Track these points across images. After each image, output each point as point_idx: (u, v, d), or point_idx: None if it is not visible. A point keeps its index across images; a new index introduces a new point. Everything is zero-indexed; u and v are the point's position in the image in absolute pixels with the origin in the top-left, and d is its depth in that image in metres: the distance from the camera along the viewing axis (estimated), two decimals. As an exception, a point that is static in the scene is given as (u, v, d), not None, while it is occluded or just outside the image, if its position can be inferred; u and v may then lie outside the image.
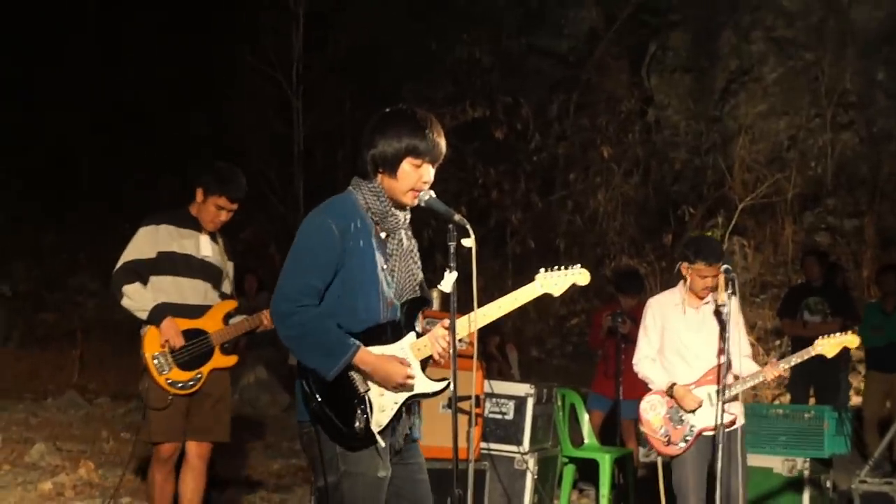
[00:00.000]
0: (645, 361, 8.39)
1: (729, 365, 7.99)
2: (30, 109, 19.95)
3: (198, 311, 8.42)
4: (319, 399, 5.41)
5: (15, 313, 17.01)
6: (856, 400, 13.49)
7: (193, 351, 8.34)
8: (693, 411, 8.06)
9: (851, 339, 8.10)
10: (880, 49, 17.07)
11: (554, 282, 5.65)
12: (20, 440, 12.59)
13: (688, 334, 8.20)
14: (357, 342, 5.33)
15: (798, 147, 16.78)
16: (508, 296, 5.57)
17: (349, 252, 5.43)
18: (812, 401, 12.09)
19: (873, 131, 16.93)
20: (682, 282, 8.26)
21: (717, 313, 8.04)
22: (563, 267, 5.68)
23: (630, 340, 12.33)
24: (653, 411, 8.28)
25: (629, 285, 13.10)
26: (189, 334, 8.29)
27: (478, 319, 5.54)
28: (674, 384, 8.13)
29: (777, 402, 9.81)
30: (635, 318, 12.45)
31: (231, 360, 8.58)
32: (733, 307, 8.02)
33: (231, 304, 8.56)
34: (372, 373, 5.39)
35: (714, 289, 8.05)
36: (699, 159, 17.42)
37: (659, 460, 8.48)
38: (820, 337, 8.08)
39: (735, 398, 8.10)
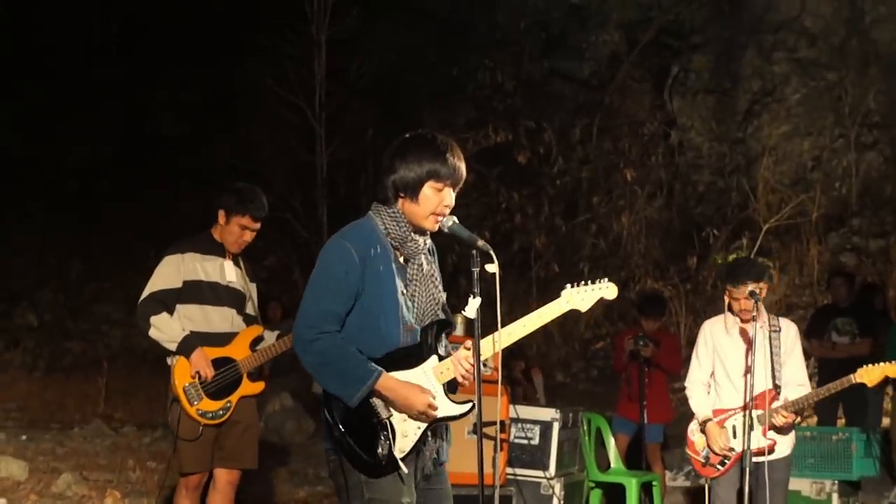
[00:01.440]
0: (695, 385, 8.36)
1: (777, 389, 7.95)
2: (54, 138, 19.98)
3: (225, 338, 8.40)
4: (342, 427, 5.35)
5: (41, 343, 17.05)
6: (885, 422, 13.41)
7: (222, 380, 8.31)
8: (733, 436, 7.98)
9: (892, 369, 7.96)
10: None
11: (581, 297, 5.61)
12: (47, 470, 12.60)
13: (737, 359, 8.12)
14: (379, 368, 5.29)
15: (822, 168, 16.73)
16: (534, 313, 5.53)
17: (369, 277, 5.39)
18: (841, 422, 11.99)
19: (898, 147, 16.84)
20: (729, 306, 8.17)
21: (764, 337, 7.95)
22: (589, 282, 5.65)
23: (652, 364, 12.35)
24: (698, 434, 8.24)
25: (651, 308, 12.99)
26: (217, 363, 8.28)
27: (502, 338, 5.48)
28: (708, 419, 8.08)
29: (805, 423, 9.72)
30: (658, 340, 12.47)
31: (259, 386, 8.55)
32: (787, 332, 8.04)
33: (257, 331, 8.52)
34: (394, 399, 5.35)
35: (754, 314, 7.94)
36: (723, 181, 17.38)
37: (707, 483, 8.46)
38: (862, 368, 7.96)
39: (789, 424, 8.04)
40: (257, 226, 8.42)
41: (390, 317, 5.44)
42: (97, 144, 20.27)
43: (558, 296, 5.59)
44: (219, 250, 8.46)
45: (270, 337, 8.46)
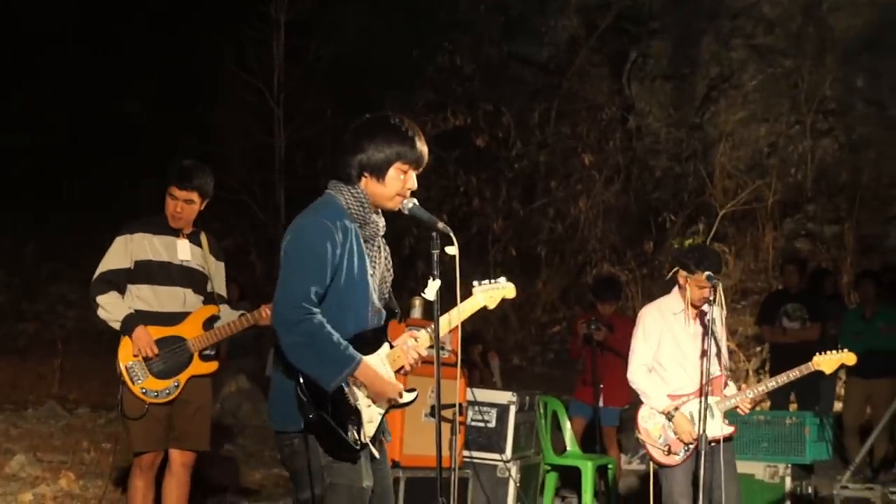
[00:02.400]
0: (640, 370, 8.29)
1: (723, 374, 8.09)
2: (9, 118, 19.81)
3: (176, 318, 8.35)
4: (318, 409, 5.34)
5: (-5, 321, 16.99)
6: (837, 406, 13.49)
7: (169, 359, 8.27)
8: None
9: (849, 357, 8.12)
10: (859, 56, 17.15)
11: (489, 294, 5.69)
12: (0, 451, 12.56)
13: (687, 344, 8.13)
14: (359, 355, 5.32)
15: (778, 154, 16.85)
16: (454, 309, 5.59)
17: (346, 255, 5.42)
18: (793, 406, 12.07)
19: (852, 138, 17.02)
20: (678, 290, 8.18)
21: (703, 322, 7.96)
22: (493, 280, 5.75)
23: (606, 348, 12.41)
24: (651, 420, 8.25)
25: (606, 292, 13.10)
26: (165, 342, 8.22)
27: (432, 333, 5.52)
28: (676, 409, 8.09)
29: (758, 408, 9.78)
30: (612, 325, 12.54)
31: (211, 366, 8.46)
32: (718, 317, 8.02)
33: (212, 310, 8.42)
34: (369, 386, 5.39)
35: (710, 300, 7.99)
36: (680, 166, 17.48)
37: (651, 468, 8.44)
38: (818, 354, 8.11)
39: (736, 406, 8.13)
40: (188, 196, 8.29)
41: (362, 297, 5.50)
42: (54, 123, 20.03)
43: (471, 293, 5.65)
44: (172, 230, 8.41)
45: (230, 316, 8.38)
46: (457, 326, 5.64)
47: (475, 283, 5.65)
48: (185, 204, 8.32)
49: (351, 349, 5.28)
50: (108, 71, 20.57)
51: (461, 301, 5.57)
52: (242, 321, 8.22)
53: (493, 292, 5.68)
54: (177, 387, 8.33)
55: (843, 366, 8.44)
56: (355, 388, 5.39)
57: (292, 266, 5.34)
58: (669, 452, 8.18)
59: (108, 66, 20.62)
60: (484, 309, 5.71)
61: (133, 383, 8.22)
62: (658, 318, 8.34)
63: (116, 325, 8.25)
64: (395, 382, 5.46)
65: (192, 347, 8.30)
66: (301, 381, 5.32)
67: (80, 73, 20.55)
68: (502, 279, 5.70)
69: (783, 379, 8.24)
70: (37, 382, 15.03)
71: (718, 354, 8.04)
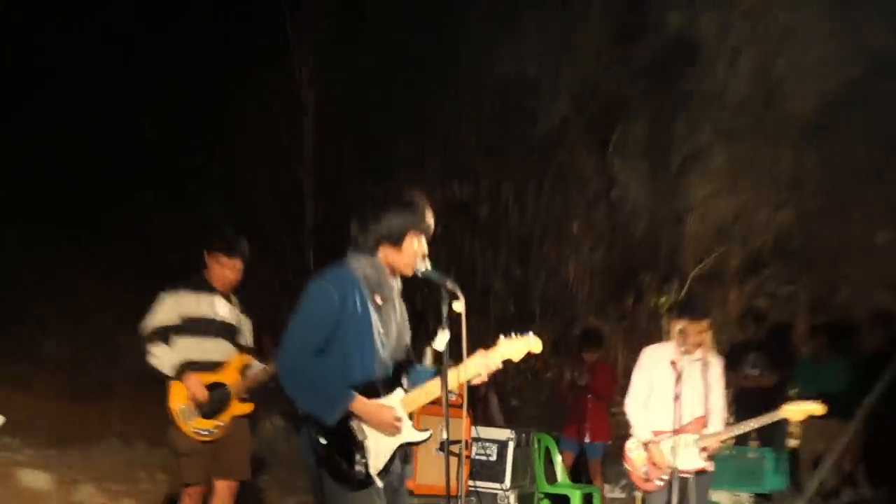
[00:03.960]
0: (634, 404, 8.42)
1: (706, 416, 8.18)
2: (55, 161, 19.44)
3: (218, 366, 8.57)
4: (325, 444, 5.51)
5: (63, 369, 17.00)
6: (792, 443, 13.51)
7: (214, 402, 8.45)
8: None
9: (817, 409, 8.10)
10: (812, 136, 17.15)
11: (511, 348, 5.73)
12: (69, 481, 12.62)
13: (672, 386, 8.08)
14: (353, 392, 5.45)
15: (741, 223, 16.87)
16: (476, 356, 5.68)
17: (348, 316, 5.52)
18: (755, 444, 12.12)
19: (806, 209, 17.00)
20: (677, 339, 8.14)
21: (699, 368, 8.06)
22: (520, 335, 5.78)
23: (590, 392, 12.50)
24: (637, 451, 8.34)
25: (589, 343, 13.32)
26: (210, 387, 8.45)
27: (460, 376, 5.64)
28: (651, 441, 8.14)
29: (727, 446, 9.87)
30: (595, 369, 12.67)
31: (248, 407, 8.73)
32: (714, 366, 8.27)
33: (247, 359, 8.73)
34: (367, 418, 5.50)
35: (700, 344, 8.08)
36: (656, 233, 17.47)
37: (638, 496, 8.51)
38: (787, 403, 8.12)
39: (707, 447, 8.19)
40: (234, 262, 8.64)
41: (367, 352, 5.59)
42: (95, 180, 19.38)
43: (496, 343, 5.73)
44: (210, 288, 8.66)
45: (258, 365, 8.63)
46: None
47: (503, 336, 5.77)
48: (232, 270, 8.52)
49: (345, 388, 5.45)
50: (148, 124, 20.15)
51: (482, 353, 5.69)
52: (265, 373, 8.52)
53: (516, 346, 5.74)
54: (220, 426, 8.45)
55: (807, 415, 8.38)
56: (363, 425, 5.52)
57: (295, 324, 5.54)
58: (647, 480, 8.21)
59: (148, 120, 20.16)
60: (506, 364, 5.80)
61: (185, 423, 8.37)
62: (653, 359, 8.45)
63: (168, 372, 8.43)
64: (394, 413, 5.55)
65: (233, 392, 8.44)
66: (309, 420, 5.53)
67: (119, 130, 20.06)
68: (530, 333, 5.80)
69: (754, 423, 8.29)
70: (101, 420, 15.06)
71: (706, 397, 8.09)
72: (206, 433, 8.46)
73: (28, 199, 18.60)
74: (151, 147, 19.37)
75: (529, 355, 5.82)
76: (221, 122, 18.87)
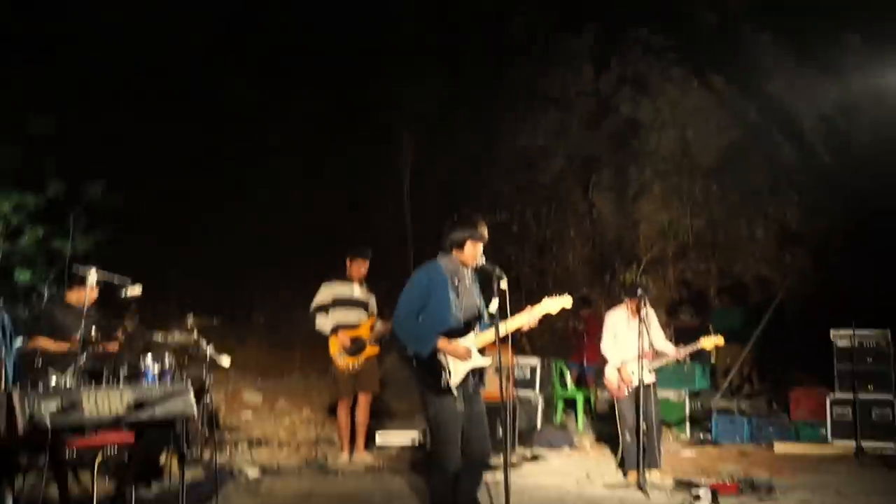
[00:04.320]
0: (605, 346, 8.42)
1: (653, 350, 8.16)
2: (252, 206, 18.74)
3: (356, 326, 8.81)
4: (422, 370, 5.61)
5: (266, 330, 17.03)
6: (712, 359, 13.34)
7: (356, 348, 8.54)
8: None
9: (717, 340, 8.28)
10: (714, 173, 17.06)
11: (553, 304, 5.84)
12: (272, 398, 12.55)
13: (628, 333, 8.13)
14: (438, 335, 5.57)
15: (673, 227, 16.69)
16: (526, 311, 5.81)
17: (435, 291, 5.63)
18: (688, 360, 11.92)
19: (712, 217, 16.89)
20: (625, 303, 8.33)
21: (648, 321, 8.07)
22: (557, 295, 5.91)
23: (586, 333, 12.43)
24: (612, 375, 8.33)
25: (583, 304, 13.58)
26: (352, 339, 8.77)
27: (509, 325, 5.70)
28: (622, 365, 8.11)
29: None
30: (588, 320, 12.66)
31: (375, 350, 8.90)
32: (651, 314, 8.23)
33: (373, 320, 8.92)
34: (448, 351, 5.55)
35: (638, 309, 8.10)
36: (622, 234, 17.40)
37: (615, 401, 8.44)
38: (703, 337, 8.29)
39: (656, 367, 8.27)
40: (365, 263, 8.89)
41: (445, 313, 5.65)
42: (283, 224, 18.80)
43: (539, 302, 5.83)
44: (349, 279, 8.94)
45: (380, 324, 8.84)
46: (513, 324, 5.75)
47: (546, 297, 5.86)
48: (362, 267, 8.70)
49: (432, 334, 5.50)
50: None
51: (530, 308, 5.78)
52: (385, 327, 8.77)
53: (555, 303, 5.81)
54: (359, 362, 8.63)
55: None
56: (447, 356, 5.55)
57: (403, 297, 5.64)
58: (619, 390, 8.26)
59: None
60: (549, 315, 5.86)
61: (340, 362, 8.50)
62: (614, 318, 8.49)
63: (326, 332, 8.59)
64: (465, 347, 5.58)
65: (366, 341, 8.59)
66: (412, 354, 5.58)
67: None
68: (566, 295, 5.88)
69: (684, 351, 8.59)
70: (290, 361, 15.04)
71: (649, 338, 8.07)
72: (352, 366, 8.67)
73: (247, 243, 18.42)
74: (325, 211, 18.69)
75: (563, 310, 5.94)
76: (363, 193, 18.62)
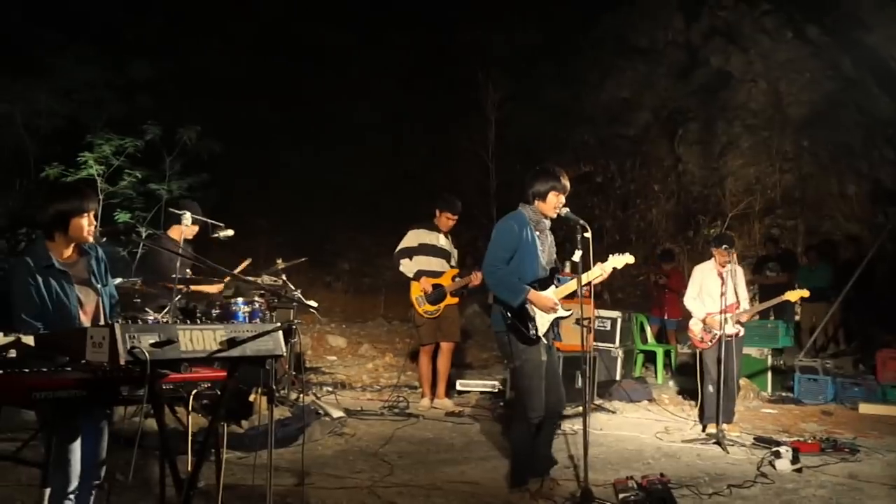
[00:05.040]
0: (689, 299, 8.38)
1: (738, 303, 8.08)
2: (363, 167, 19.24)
3: (439, 275, 8.78)
4: (511, 318, 5.54)
5: (352, 278, 17.27)
6: (796, 318, 13.08)
7: (436, 296, 8.72)
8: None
9: (804, 292, 8.19)
10: (805, 128, 16.51)
11: (617, 261, 5.77)
12: (356, 342, 12.74)
13: (715, 286, 8.03)
14: (529, 287, 5.50)
15: (761, 182, 16.27)
16: (596, 266, 5.75)
17: (522, 241, 5.54)
18: (771, 317, 11.63)
19: (801, 173, 16.37)
20: (714, 257, 8.18)
21: (730, 274, 7.95)
22: (619, 253, 5.82)
23: (667, 288, 12.30)
24: (696, 326, 8.31)
25: (666, 258, 13.28)
26: (433, 287, 8.72)
27: (587, 278, 5.70)
28: (708, 315, 8.08)
29: (754, 319, 9.50)
30: (669, 275, 12.52)
31: (456, 300, 8.85)
32: (739, 272, 8.17)
33: (455, 271, 8.89)
34: (536, 302, 5.51)
35: (729, 262, 7.99)
36: (707, 190, 17.02)
37: (697, 351, 8.40)
38: (788, 290, 8.18)
39: (740, 320, 8.13)
40: (455, 217, 8.82)
41: (534, 263, 5.60)
42: (376, 178, 19.19)
43: (607, 259, 5.78)
44: (437, 229, 8.86)
45: (462, 275, 8.80)
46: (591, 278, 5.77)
47: (611, 254, 5.80)
48: (450, 220, 8.72)
49: (525, 285, 5.46)
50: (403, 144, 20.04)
51: (601, 264, 5.71)
52: (465, 280, 8.69)
53: (618, 260, 5.75)
54: (439, 309, 8.74)
55: (801, 297, 8.35)
56: (533, 307, 5.52)
57: (493, 244, 5.55)
58: (702, 342, 8.17)
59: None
60: (614, 269, 5.81)
61: (419, 307, 8.58)
62: (700, 272, 8.40)
63: (409, 276, 8.67)
64: (553, 300, 5.55)
65: (448, 290, 8.63)
66: (501, 303, 5.53)
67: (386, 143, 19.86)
68: (627, 253, 5.85)
69: (768, 304, 8.50)
70: (373, 307, 15.25)
71: (735, 292, 8.02)
72: (431, 313, 8.70)
73: (332, 190, 18.67)
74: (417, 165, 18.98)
75: (626, 265, 5.88)
76: (447, 146, 18.65)
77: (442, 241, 8.78)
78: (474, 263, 14.37)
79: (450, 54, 18.96)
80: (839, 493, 6.03)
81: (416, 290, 8.66)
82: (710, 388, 7.90)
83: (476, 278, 8.46)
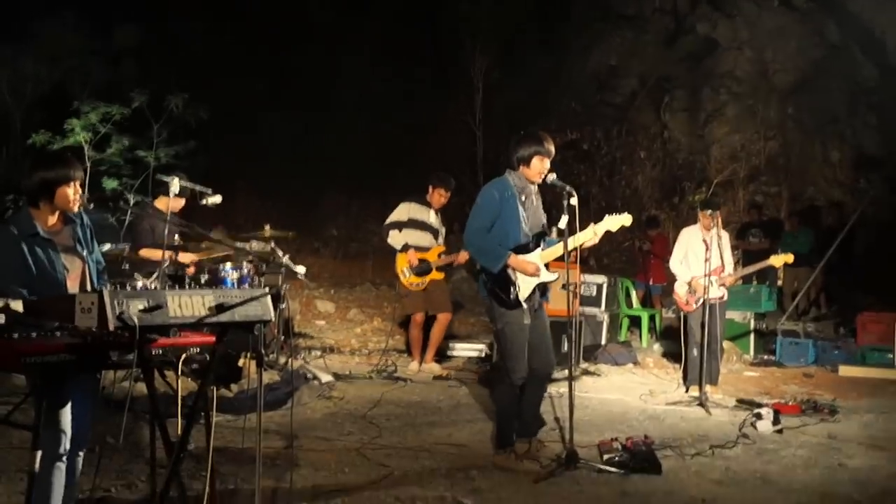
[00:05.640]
0: (674, 262, 8.46)
1: (722, 267, 8.13)
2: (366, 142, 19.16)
3: (426, 249, 8.85)
4: (492, 283, 5.58)
5: (340, 243, 17.25)
6: (778, 282, 13.14)
7: (422, 269, 8.83)
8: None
9: (787, 258, 8.17)
10: (790, 95, 16.51)
11: (613, 222, 5.69)
12: (344, 307, 12.76)
13: (700, 250, 8.06)
14: (510, 252, 5.51)
15: (745, 150, 16.30)
16: (589, 227, 5.66)
17: (505, 207, 5.54)
18: (755, 282, 11.71)
19: (786, 140, 16.39)
20: (699, 221, 8.27)
21: (715, 238, 8.02)
22: (616, 214, 5.76)
23: (652, 253, 12.35)
24: (681, 289, 8.37)
25: (651, 224, 13.32)
26: (419, 261, 8.81)
27: (577, 239, 5.64)
28: (692, 278, 8.14)
29: (736, 283, 9.56)
30: (654, 241, 12.57)
31: (441, 275, 8.94)
32: (725, 236, 8.22)
33: (441, 248, 8.93)
34: (517, 266, 5.51)
35: (714, 225, 8.09)
36: (692, 157, 17.06)
37: (682, 314, 8.48)
38: (772, 255, 8.19)
39: (734, 283, 8.45)
40: (448, 194, 8.87)
41: (516, 228, 5.58)
42: (381, 153, 18.89)
43: (602, 220, 5.71)
44: (427, 204, 8.89)
45: (446, 256, 8.85)
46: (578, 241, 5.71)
47: (607, 215, 5.71)
48: (443, 197, 8.76)
49: (505, 250, 5.45)
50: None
51: (593, 225, 5.63)
52: (451, 258, 8.79)
53: (615, 221, 5.66)
54: (423, 282, 8.90)
55: (784, 262, 8.42)
56: (514, 272, 5.52)
57: (473, 213, 5.56)
58: (687, 304, 8.23)
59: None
60: (607, 232, 5.71)
61: (405, 278, 8.68)
62: (686, 236, 8.49)
63: (397, 248, 8.74)
64: (535, 264, 5.53)
65: (433, 265, 8.74)
66: (482, 270, 5.58)
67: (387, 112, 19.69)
68: (625, 214, 5.72)
69: (751, 269, 8.51)
70: (361, 272, 15.25)
71: (721, 256, 8.06)
72: (415, 285, 8.77)
73: (320, 157, 18.56)
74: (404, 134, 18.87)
75: (620, 228, 5.80)
76: (433, 114, 18.57)
77: (432, 217, 8.78)
78: (461, 230, 14.41)
79: (436, 23, 18.83)
80: (818, 453, 6.12)
81: (403, 262, 8.70)
82: (695, 352, 7.96)
83: (461, 257, 8.52)
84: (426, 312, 8.85)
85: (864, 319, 10.50)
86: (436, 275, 8.72)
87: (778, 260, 8.04)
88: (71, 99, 13.14)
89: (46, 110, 13.88)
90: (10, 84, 13.92)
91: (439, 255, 8.72)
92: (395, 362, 9.07)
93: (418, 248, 8.66)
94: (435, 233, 8.78)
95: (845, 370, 9.80)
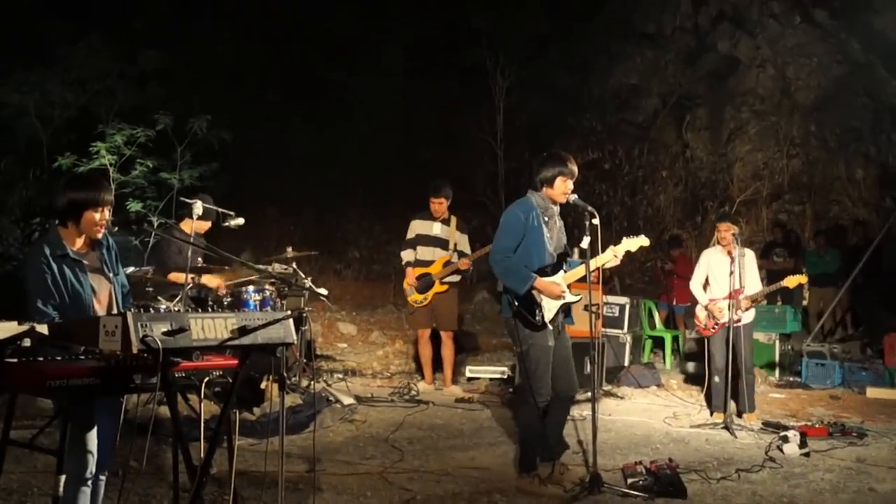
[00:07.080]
0: (695, 285, 8.30)
1: (741, 289, 7.87)
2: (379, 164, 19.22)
3: (430, 263, 8.85)
4: (517, 305, 5.57)
5: (361, 265, 17.24)
6: (804, 302, 13.03)
7: (424, 284, 8.85)
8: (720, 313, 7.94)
9: (802, 278, 8.10)
10: (813, 113, 16.42)
11: (632, 244, 5.77)
12: (366, 329, 12.73)
13: (720, 272, 8.01)
14: (535, 274, 5.51)
15: (768, 168, 16.20)
16: (609, 250, 5.73)
17: (529, 228, 5.54)
18: (779, 303, 11.61)
19: (809, 158, 16.28)
20: (719, 243, 8.13)
21: (739, 257, 7.86)
22: (634, 235, 5.85)
23: (675, 274, 12.30)
24: (701, 313, 8.22)
25: (673, 244, 13.21)
26: (422, 276, 8.84)
27: (597, 262, 5.69)
28: (711, 301, 8.03)
29: (761, 303, 9.47)
30: (676, 261, 12.51)
31: (445, 287, 8.81)
32: (748, 255, 7.99)
33: (447, 257, 8.82)
34: (542, 289, 5.52)
35: (729, 240, 7.95)
36: (715, 176, 16.96)
37: (706, 340, 8.36)
38: (787, 277, 8.03)
39: (750, 306, 8.01)
40: (440, 201, 8.70)
41: (541, 249, 5.59)
42: (396, 171, 18.91)
43: (620, 242, 5.80)
44: (431, 217, 8.89)
45: (453, 262, 8.74)
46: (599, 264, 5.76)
47: (625, 237, 5.79)
48: (440, 206, 8.69)
49: (531, 273, 5.47)
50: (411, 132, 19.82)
51: (613, 247, 5.70)
52: (452, 267, 8.75)
53: (633, 242, 5.76)
54: (427, 298, 8.88)
55: (800, 282, 8.35)
56: (540, 294, 5.53)
57: (499, 233, 5.58)
58: (706, 328, 8.16)
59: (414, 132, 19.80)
60: (627, 253, 5.79)
61: (409, 295, 8.88)
62: (707, 257, 8.33)
63: (406, 266, 9.04)
64: (560, 287, 5.56)
65: (435, 278, 8.75)
66: (507, 291, 5.56)
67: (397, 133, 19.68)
68: (641, 235, 5.82)
69: (768, 289, 8.19)
70: (384, 294, 15.23)
71: (740, 277, 7.86)
72: (419, 302, 8.85)
73: (342, 178, 18.59)
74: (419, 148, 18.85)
75: (641, 248, 5.88)
76: (455, 134, 18.55)
77: (436, 228, 8.73)
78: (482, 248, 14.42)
79: (458, 42, 18.87)
80: (847, 477, 6.03)
81: (407, 280, 8.86)
82: (717, 379, 7.84)
83: (463, 264, 8.52)
84: (432, 328, 8.90)
85: (891, 340, 10.35)
86: (439, 287, 8.68)
87: (792, 281, 7.86)
88: (97, 122, 13.27)
89: (73, 133, 14.03)
90: (38, 108, 14.08)
91: (445, 266, 8.68)
92: (417, 385, 9.03)
93: (423, 263, 8.69)
94: (442, 244, 8.72)
95: (873, 392, 9.66)
